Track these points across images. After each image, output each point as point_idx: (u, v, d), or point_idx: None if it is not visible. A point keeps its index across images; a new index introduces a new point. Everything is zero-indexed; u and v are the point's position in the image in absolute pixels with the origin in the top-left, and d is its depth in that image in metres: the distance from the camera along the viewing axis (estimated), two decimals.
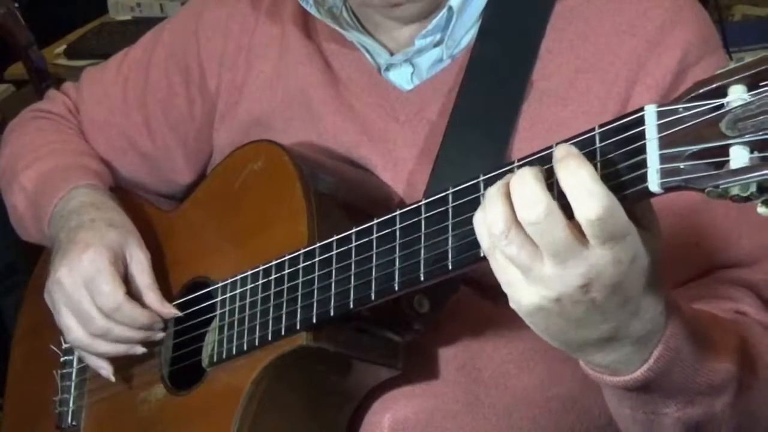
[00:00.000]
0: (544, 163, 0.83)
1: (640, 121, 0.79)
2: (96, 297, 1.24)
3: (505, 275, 0.85)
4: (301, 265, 1.09)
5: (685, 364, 0.93)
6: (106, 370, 1.29)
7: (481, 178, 0.90)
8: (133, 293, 1.25)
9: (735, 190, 0.73)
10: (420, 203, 0.97)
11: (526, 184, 0.81)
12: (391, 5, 1.21)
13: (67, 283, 1.25)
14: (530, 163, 0.86)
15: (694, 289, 1.11)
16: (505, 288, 0.86)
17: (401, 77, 1.25)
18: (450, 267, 0.92)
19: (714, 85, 0.75)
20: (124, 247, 1.27)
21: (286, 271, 1.10)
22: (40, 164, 1.44)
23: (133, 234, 1.30)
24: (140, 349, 1.26)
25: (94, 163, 1.46)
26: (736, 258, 1.14)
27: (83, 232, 1.28)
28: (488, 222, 0.83)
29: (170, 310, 1.25)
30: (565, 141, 0.84)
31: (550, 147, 0.84)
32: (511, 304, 0.87)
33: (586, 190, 0.78)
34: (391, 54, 1.26)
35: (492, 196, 0.83)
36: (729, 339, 1.00)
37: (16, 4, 2.52)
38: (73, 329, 1.26)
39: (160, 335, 1.26)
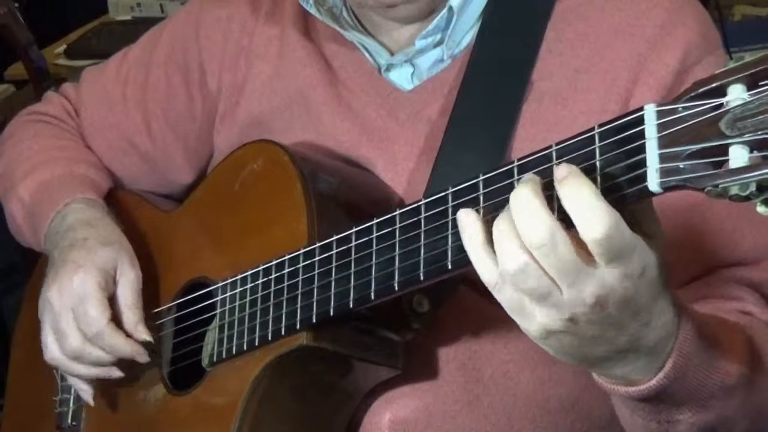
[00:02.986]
0: (542, 171, 0.83)
1: (640, 121, 0.79)
2: (80, 320, 1.24)
3: (516, 305, 0.84)
4: (301, 265, 1.09)
5: (698, 368, 0.93)
6: (87, 393, 1.30)
7: (481, 177, 0.89)
8: (117, 312, 1.25)
9: (734, 190, 0.73)
10: (419, 203, 0.96)
11: (524, 206, 0.80)
12: (386, 6, 1.20)
13: (56, 303, 1.25)
14: (528, 165, 0.85)
15: (698, 289, 1.11)
16: (515, 316, 0.85)
17: (401, 77, 1.25)
18: (449, 266, 0.92)
19: (713, 85, 0.75)
20: (116, 265, 1.27)
21: (286, 271, 1.10)
22: (37, 174, 1.44)
23: (126, 251, 1.30)
24: (117, 374, 1.27)
25: (91, 171, 1.46)
26: (740, 257, 1.14)
27: (75, 252, 1.28)
28: (502, 260, 0.81)
29: (142, 336, 1.24)
30: (565, 140, 0.83)
31: (549, 147, 0.84)
32: (524, 330, 0.86)
33: (590, 210, 0.78)
34: (392, 54, 1.26)
35: (501, 233, 0.81)
36: (737, 340, 1.00)
37: (16, 4, 2.51)
38: (50, 347, 1.27)
39: (145, 359, 1.26)
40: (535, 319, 0.84)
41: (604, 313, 0.82)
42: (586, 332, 0.84)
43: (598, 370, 0.92)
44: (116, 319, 1.25)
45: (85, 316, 1.23)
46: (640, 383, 0.92)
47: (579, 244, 0.79)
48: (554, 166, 0.81)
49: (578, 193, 0.78)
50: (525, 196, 0.80)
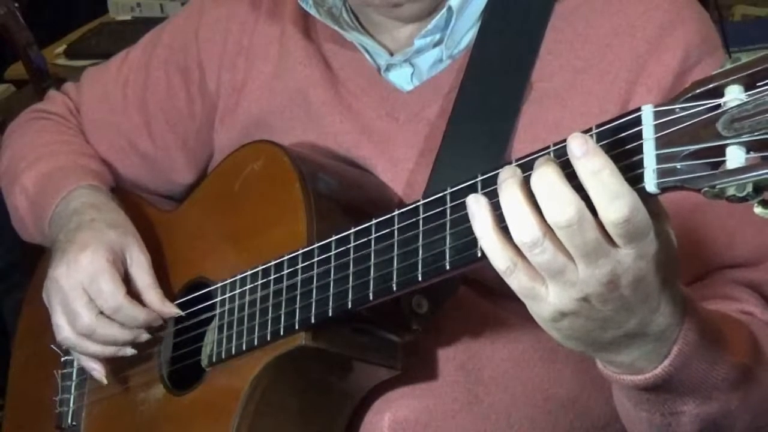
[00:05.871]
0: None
1: (637, 121, 0.79)
2: (97, 297, 1.23)
3: (529, 288, 0.83)
4: (300, 265, 1.09)
5: (702, 358, 0.93)
6: (98, 372, 1.29)
7: (479, 178, 0.89)
8: (132, 293, 1.25)
9: (731, 191, 0.73)
10: (418, 203, 0.97)
11: (552, 184, 0.79)
12: (392, 5, 1.21)
13: (65, 282, 1.25)
14: (526, 166, 0.84)
15: (699, 290, 1.11)
16: (527, 300, 0.85)
17: (401, 78, 1.25)
18: (447, 267, 0.92)
19: (711, 85, 0.75)
20: (124, 247, 1.27)
21: (285, 272, 1.10)
22: (40, 165, 1.44)
23: (133, 235, 1.30)
24: (129, 351, 1.26)
25: (94, 164, 1.46)
26: (741, 257, 1.14)
27: (82, 233, 1.28)
28: (516, 231, 0.80)
29: (171, 309, 1.25)
30: (562, 141, 0.83)
31: (547, 147, 0.84)
32: (534, 316, 0.86)
33: (612, 192, 0.77)
34: (391, 54, 1.26)
35: (511, 204, 0.81)
36: (740, 334, 1.01)
37: (16, 4, 2.52)
38: (63, 328, 1.26)
39: (146, 336, 1.26)
40: (547, 301, 0.83)
41: (616, 293, 0.83)
42: (598, 314, 0.84)
43: (605, 356, 0.92)
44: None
45: (101, 292, 1.23)
46: (645, 371, 0.92)
47: (600, 224, 0.79)
48: (569, 139, 0.79)
49: (599, 175, 0.77)
50: (549, 174, 0.79)
